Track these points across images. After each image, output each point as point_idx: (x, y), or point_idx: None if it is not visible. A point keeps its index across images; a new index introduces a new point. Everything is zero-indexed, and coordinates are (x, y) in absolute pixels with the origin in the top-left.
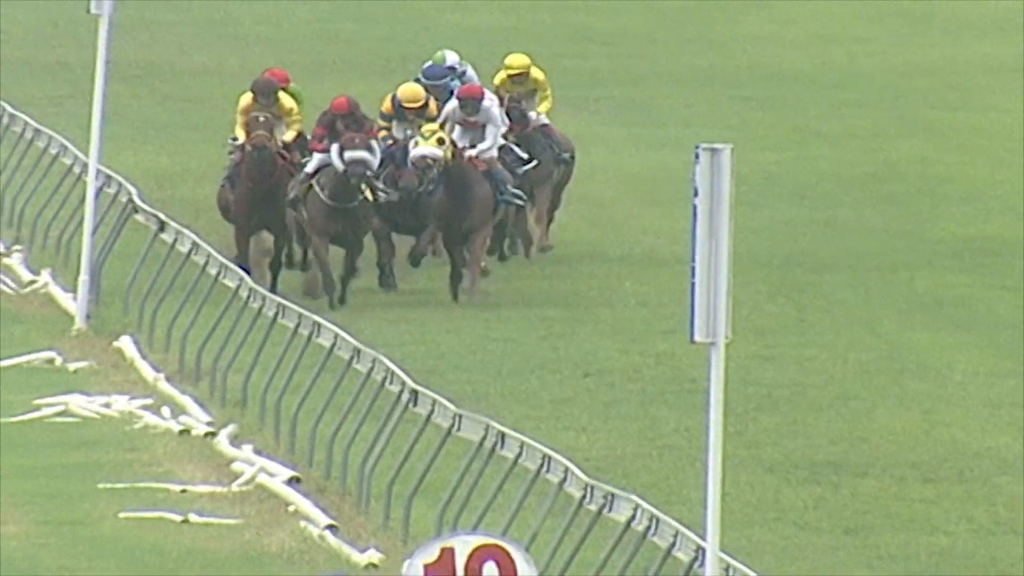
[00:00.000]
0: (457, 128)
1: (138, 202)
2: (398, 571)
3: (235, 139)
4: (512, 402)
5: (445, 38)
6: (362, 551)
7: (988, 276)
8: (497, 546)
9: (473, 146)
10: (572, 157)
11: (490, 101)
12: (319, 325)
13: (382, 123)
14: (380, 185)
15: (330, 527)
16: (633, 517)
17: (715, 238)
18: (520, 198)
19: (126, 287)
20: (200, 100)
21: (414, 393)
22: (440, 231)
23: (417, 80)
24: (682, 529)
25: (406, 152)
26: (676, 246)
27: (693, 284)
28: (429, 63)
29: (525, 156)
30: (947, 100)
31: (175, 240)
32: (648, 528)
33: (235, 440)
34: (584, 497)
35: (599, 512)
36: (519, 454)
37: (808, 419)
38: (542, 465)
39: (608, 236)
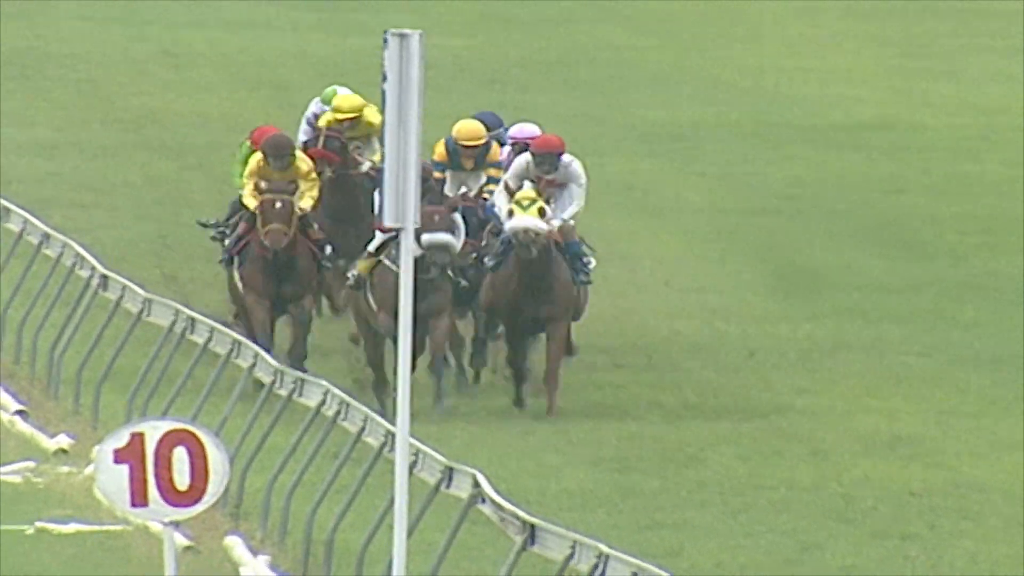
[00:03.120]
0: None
1: None
2: (88, 457)
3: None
4: (202, 287)
5: None
6: (52, 436)
7: (677, 161)
8: (187, 431)
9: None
10: None
11: (570, 156)
12: (8, 210)
13: (436, 175)
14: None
15: (20, 412)
16: (323, 402)
17: (404, 124)
18: None
19: None
20: None
21: (104, 278)
22: (499, 318)
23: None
24: (371, 414)
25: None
26: None
27: (382, 169)
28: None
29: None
30: None
31: None
32: (338, 413)
33: None
34: (274, 382)
35: (289, 397)
36: (209, 339)
37: None
38: (232, 350)
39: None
